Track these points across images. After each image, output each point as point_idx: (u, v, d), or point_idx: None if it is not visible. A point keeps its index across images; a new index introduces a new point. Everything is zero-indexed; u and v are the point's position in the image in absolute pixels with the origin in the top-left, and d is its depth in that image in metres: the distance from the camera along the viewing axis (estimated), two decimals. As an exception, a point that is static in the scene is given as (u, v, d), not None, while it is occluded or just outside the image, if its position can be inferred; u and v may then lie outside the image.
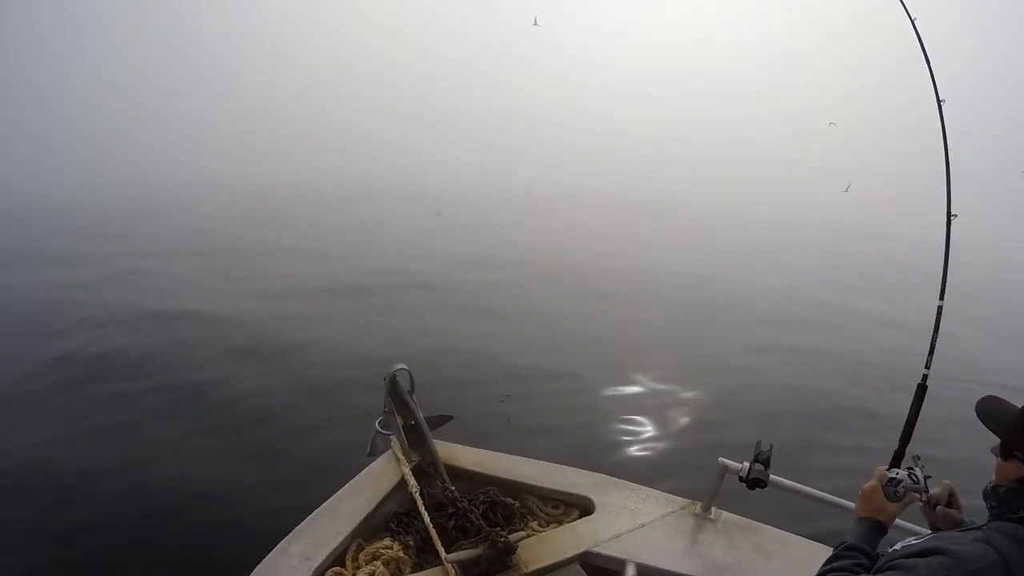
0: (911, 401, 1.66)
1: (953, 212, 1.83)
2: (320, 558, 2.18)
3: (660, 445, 5.23)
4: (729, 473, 2.34)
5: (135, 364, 6.04)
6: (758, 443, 2.27)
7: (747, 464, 2.25)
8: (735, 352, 8.02)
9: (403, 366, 2.74)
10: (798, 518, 2.73)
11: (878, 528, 1.37)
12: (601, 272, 12.24)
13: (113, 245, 11.62)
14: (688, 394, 6.41)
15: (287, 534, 2.26)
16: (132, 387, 5.47)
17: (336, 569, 2.21)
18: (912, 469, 1.44)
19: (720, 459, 2.37)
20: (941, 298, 1.72)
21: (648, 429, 5.51)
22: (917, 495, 1.41)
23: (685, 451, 5.09)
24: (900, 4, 2.32)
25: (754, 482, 2.21)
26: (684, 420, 5.77)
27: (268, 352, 6.56)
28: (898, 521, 1.45)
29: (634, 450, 5.12)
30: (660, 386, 6.55)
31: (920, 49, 2.18)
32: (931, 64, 2.13)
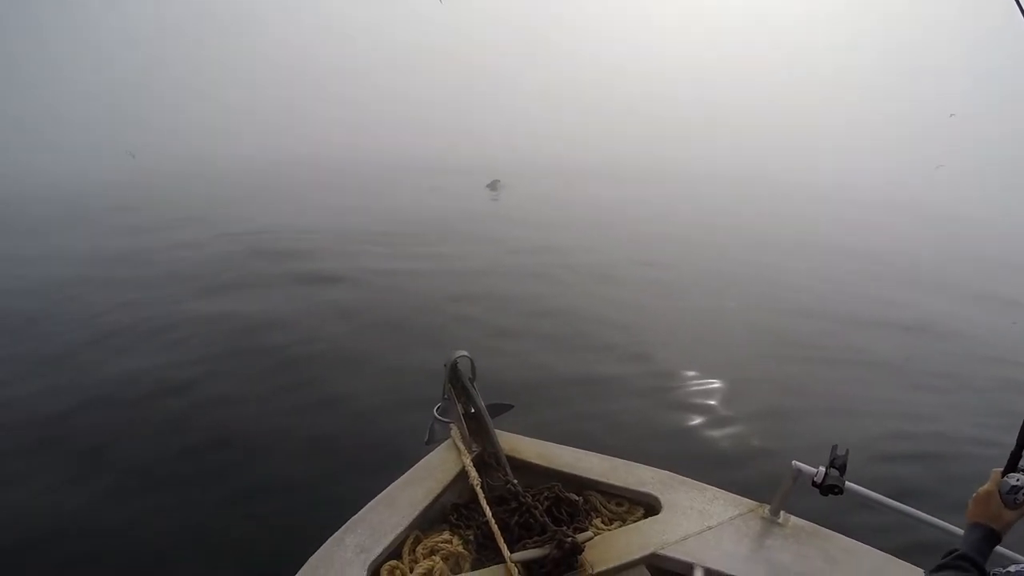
0: None
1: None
2: (376, 550, 2.09)
3: (727, 442, 4.95)
4: (802, 477, 2.18)
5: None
6: (834, 447, 2.13)
7: (822, 468, 2.10)
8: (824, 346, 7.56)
9: (464, 353, 2.65)
10: (863, 528, 2.53)
11: (991, 537, 1.28)
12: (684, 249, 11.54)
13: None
14: (764, 390, 6.06)
15: (343, 523, 2.18)
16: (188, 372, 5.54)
17: (393, 563, 2.11)
18: None
19: (793, 462, 2.21)
20: None
21: (717, 424, 5.23)
22: None
23: (752, 449, 4.82)
24: None
25: (829, 488, 2.07)
26: (756, 417, 5.44)
27: (322, 333, 6.57)
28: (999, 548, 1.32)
29: (700, 445, 4.86)
30: (736, 378, 6.20)
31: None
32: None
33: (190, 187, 14.48)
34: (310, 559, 2.03)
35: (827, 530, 2.30)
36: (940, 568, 1.23)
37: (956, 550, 1.26)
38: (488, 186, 16.82)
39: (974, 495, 1.34)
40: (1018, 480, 1.30)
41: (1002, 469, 1.35)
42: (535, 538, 2.15)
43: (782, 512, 2.34)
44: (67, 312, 7.07)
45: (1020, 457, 1.37)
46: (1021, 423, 1.37)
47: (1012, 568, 1.16)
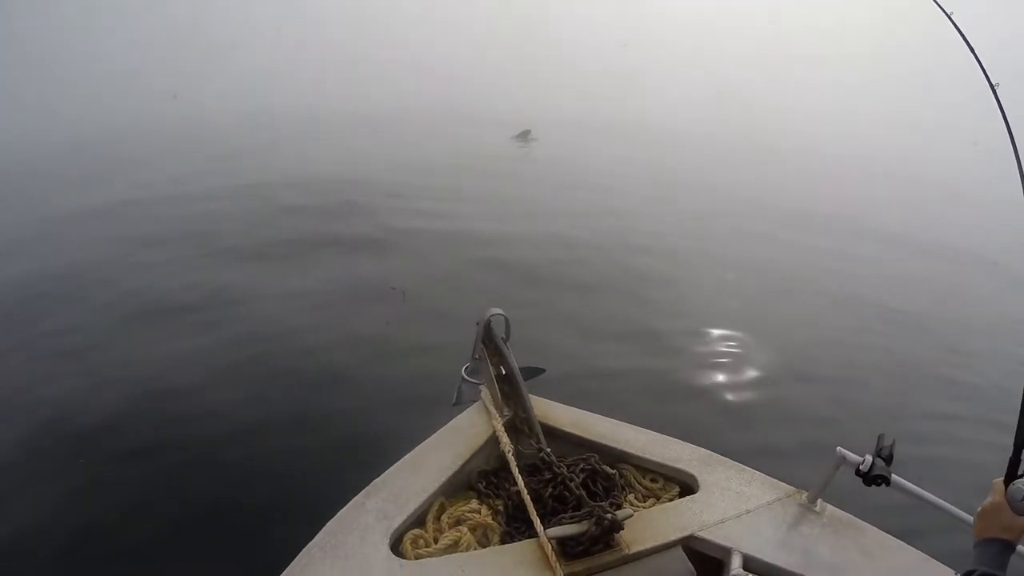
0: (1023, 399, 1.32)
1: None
2: (399, 517, 1.96)
3: (769, 423, 4.77)
4: (846, 465, 2.05)
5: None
6: (880, 436, 2.02)
7: (869, 457, 1.97)
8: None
9: (499, 311, 2.49)
10: (899, 523, 2.37)
11: (1008, 549, 1.22)
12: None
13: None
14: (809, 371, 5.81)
15: (364, 486, 2.06)
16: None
17: (417, 531, 1.98)
18: None
19: (838, 448, 2.08)
20: None
21: (758, 404, 5.03)
22: None
23: (794, 433, 4.63)
24: None
25: (875, 478, 1.94)
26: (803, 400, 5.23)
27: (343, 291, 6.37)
28: None
29: (739, 425, 4.68)
30: (779, 356, 5.95)
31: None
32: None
33: (228, 133, 14.06)
34: (328, 523, 1.91)
35: (863, 522, 2.21)
36: None
37: (972, 571, 1.19)
38: (517, 137, 15.85)
39: (979, 510, 1.29)
40: None
41: (1003, 478, 1.28)
42: (570, 512, 2.01)
43: (819, 500, 2.24)
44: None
45: (1020, 462, 1.30)
46: (1016, 427, 1.31)
47: None
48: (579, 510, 2.00)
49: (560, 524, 1.93)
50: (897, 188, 14.71)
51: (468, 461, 2.26)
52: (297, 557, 1.79)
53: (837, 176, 15.39)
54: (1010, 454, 1.31)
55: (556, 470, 2.17)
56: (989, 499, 1.28)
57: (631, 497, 2.28)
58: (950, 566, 1.91)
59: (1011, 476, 1.29)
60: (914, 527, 2.38)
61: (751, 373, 5.53)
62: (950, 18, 2.33)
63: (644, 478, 2.39)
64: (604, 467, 2.29)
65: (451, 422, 2.43)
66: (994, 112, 1.98)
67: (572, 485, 2.11)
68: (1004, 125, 1.91)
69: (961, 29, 2.27)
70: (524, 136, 15.44)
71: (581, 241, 8.67)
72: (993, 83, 2.07)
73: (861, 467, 1.97)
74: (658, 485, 2.37)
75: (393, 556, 1.85)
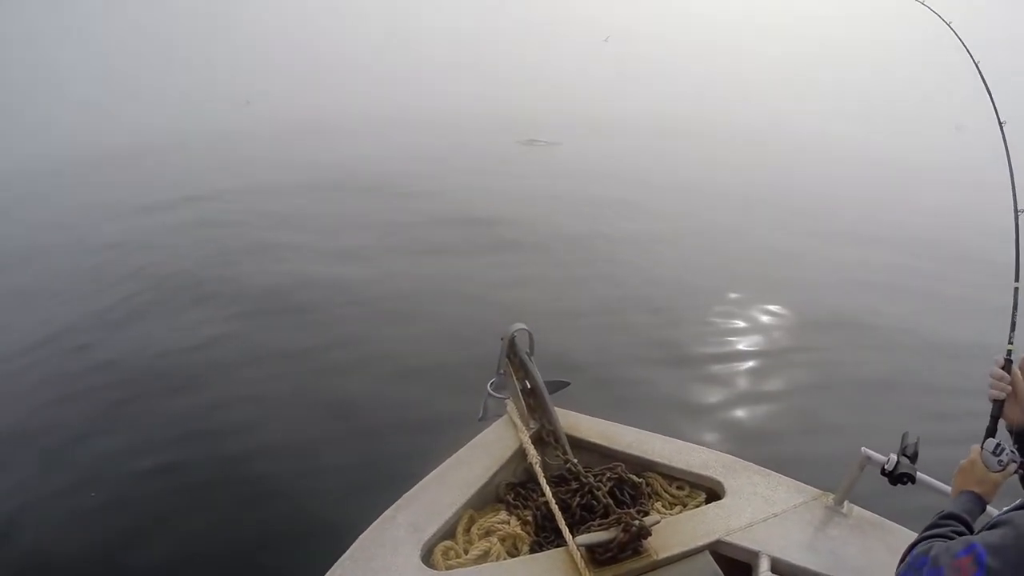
0: None
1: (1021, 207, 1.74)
2: (430, 530, 2.00)
3: (792, 427, 4.70)
4: (870, 465, 2.06)
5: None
6: (904, 434, 2.01)
7: (893, 456, 1.97)
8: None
9: (523, 326, 2.53)
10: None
11: (978, 501, 1.31)
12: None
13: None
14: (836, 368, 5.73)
15: (393, 501, 2.12)
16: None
17: (447, 543, 2.02)
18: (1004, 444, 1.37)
19: (862, 448, 2.09)
20: (1017, 280, 1.68)
21: (781, 407, 4.98)
22: (1016, 465, 1.34)
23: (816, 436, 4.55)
24: None
25: (900, 477, 1.94)
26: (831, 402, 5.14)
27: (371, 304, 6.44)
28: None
29: (761, 429, 4.63)
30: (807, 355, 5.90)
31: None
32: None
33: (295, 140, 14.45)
34: (360, 537, 1.96)
35: (890, 522, 2.21)
36: (927, 529, 1.25)
37: (942, 511, 1.28)
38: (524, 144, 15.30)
39: (958, 468, 1.39)
40: (998, 444, 1.35)
41: (980, 444, 1.39)
42: (598, 521, 2.03)
43: (846, 502, 2.24)
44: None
45: (995, 430, 1.42)
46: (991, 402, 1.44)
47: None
48: (607, 518, 2.02)
49: (587, 532, 1.95)
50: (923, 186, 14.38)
51: (496, 474, 2.30)
52: (330, 570, 1.84)
53: (843, 174, 15.10)
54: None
55: (583, 480, 2.20)
56: (967, 458, 1.38)
57: (658, 505, 2.30)
58: None
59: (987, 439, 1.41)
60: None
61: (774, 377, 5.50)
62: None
63: (671, 486, 2.41)
64: (630, 476, 2.31)
65: (478, 436, 2.48)
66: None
67: (599, 494, 2.13)
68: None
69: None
70: (529, 145, 14.95)
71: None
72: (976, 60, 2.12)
73: (886, 466, 1.97)
74: (684, 492, 2.38)
75: (425, 567, 1.88)
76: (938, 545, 1.12)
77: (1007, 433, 1.42)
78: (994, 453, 1.34)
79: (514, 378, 2.56)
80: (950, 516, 1.26)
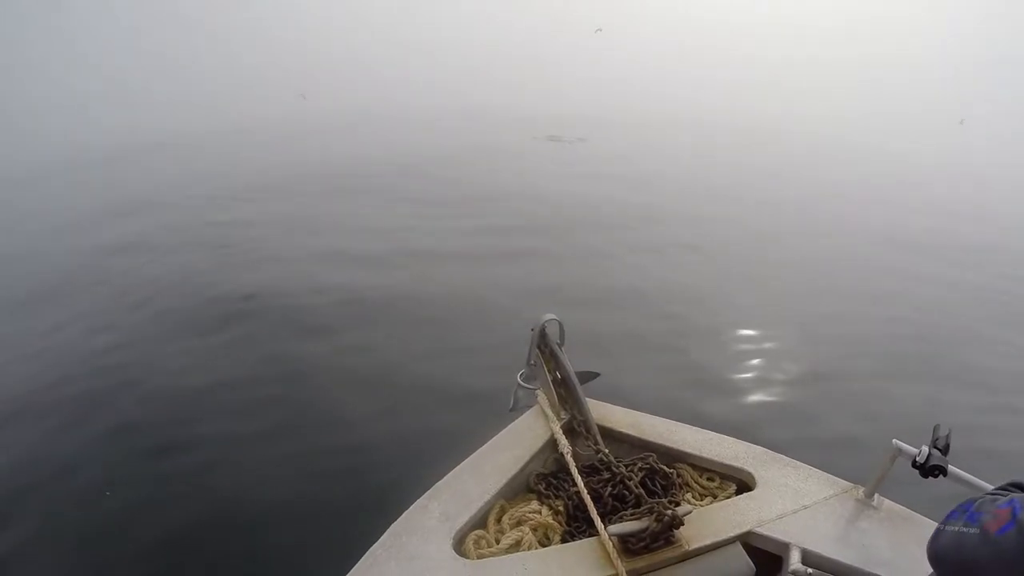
0: None
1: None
2: (462, 519, 2.01)
3: (822, 418, 4.64)
4: (902, 457, 2.00)
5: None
6: (936, 427, 1.98)
7: (925, 448, 1.92)
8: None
9: (553, 316, 2.53)
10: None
11: None
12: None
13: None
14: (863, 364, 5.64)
15: (426, 489, 2.13)
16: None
17: (479, 532, 2.03)
18: None
19: (894, 440, 2.03)
20: None
21: (812, 400, 4.90)
22: None
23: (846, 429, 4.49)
24: None
25: (932, 469, 1.89)
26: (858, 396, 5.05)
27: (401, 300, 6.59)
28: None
29: (793, 423, 4.56)
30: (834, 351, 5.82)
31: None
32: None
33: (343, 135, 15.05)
34: (393, 525, 1.98)
35: (920, 516, 2.15)
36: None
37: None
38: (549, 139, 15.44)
39: None
40: None
41: None
42: (630, 511, 2.02)
43: (876, 495, 2.19)
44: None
45: None
46: None
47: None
48: (638, 508, 2.01)
49: (619, 522, 1.94)
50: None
51: (527, 464, 2.30)
52: (363, 558, 1.86)
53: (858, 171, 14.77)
54: None
55: (615, 470, 2.19)
56: None
57: (689, 496, 2.28)
58: None
59: None
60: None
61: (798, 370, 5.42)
62: None
63: (701, 477, 2.39)
64: (662, 466, 2.29)
65: (509, 426, 2.48)
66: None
67: (631, 484, 2.12)
68: None
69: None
70: (556, 138, 15.08)
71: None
72: None
73: (917, 459, 1.93)
74: (715, 483, 2.37)
75: (457, 556, 1.90)
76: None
77: None
78: None
79: (545, 368, 2.56)
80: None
